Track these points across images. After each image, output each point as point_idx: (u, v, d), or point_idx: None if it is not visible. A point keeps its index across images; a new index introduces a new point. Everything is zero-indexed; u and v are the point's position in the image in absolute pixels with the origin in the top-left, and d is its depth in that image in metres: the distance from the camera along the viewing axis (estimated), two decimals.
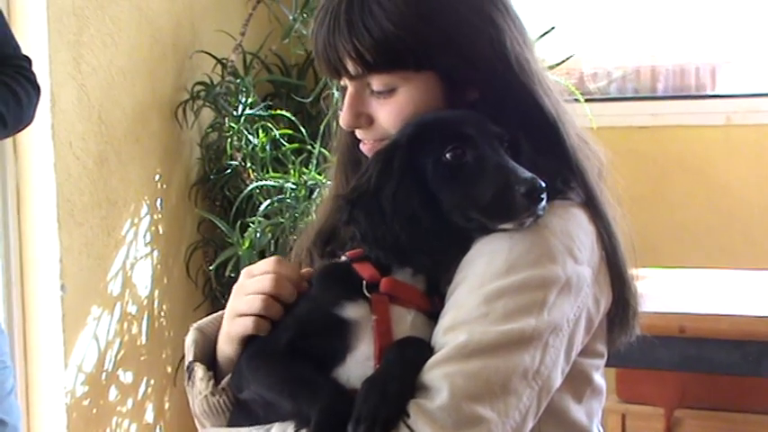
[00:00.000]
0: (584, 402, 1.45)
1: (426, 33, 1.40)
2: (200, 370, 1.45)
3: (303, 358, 1.33)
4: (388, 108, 1.44)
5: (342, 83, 1.49)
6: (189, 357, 1.48)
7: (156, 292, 3.61)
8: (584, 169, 1.46)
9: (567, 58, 3.59)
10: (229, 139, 3.63)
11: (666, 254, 3.83)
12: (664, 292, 2.95)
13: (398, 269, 1.39)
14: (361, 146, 1.50)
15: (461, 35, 1.42)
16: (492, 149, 1.36)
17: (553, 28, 3.50)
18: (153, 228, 3.59)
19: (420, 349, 1.31)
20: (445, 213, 1.36)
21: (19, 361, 3.21)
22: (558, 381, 1.33)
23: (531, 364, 1.28)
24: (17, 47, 2.20)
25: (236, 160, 3.63)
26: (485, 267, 1.32)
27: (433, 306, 1.37)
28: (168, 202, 3.67)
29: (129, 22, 3.48)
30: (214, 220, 3.61)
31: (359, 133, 1.50)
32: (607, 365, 1.52)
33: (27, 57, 2.21)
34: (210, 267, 3.65)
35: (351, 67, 1.43)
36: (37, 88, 2.17)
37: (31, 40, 3.18)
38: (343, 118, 1.47)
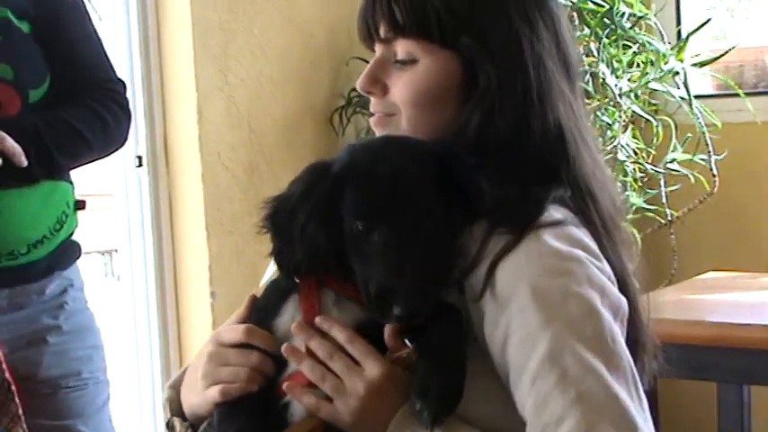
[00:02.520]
0: None
1: (458, 7, 1.40)
2: (178, 424, 1.47)
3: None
4: (404, 79, 1.43)
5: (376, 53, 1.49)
6: (167, 415, 1.51)
7: None
8: (594, 191, 1.40)
9: (728, 51, 3.42)
10: None
11: None
12: None
13: None
14: (370, 120, 1.51)
15: (490, 20, 1.40)
16: (399, 236, 1.30)
17: (709, 20, 3.34)
18: None
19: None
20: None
21: (174, 365, 3.34)
22: None
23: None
24: (110, 71, 2.26)
25: None
26: (519, 319, 1.27)
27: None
28: None
29: (280, 33, 3.54)
30: None
31: (371, 105, 1.49)
32: None
33: (121, 81, 2.27)
34: None
35: (382, 28, 1.43)
36: (128, 113, 2.24)
37: (178, 54, 3.30)
38: (360, 80, 1.47)
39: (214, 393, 1.39)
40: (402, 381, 1.31)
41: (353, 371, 1.32)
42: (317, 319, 1.35)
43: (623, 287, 1.37)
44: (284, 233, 1.37)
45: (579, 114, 1.44)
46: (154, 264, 3.34)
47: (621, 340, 1.28)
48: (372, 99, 1.49)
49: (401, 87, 1.44)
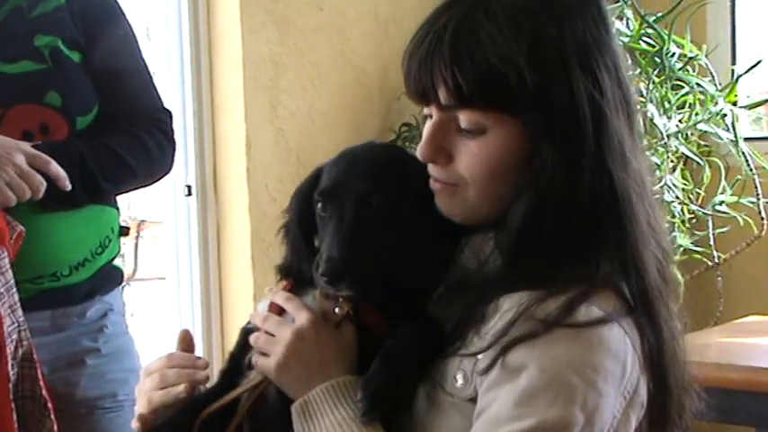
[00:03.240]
0: None
1: (528, 72, 1.29)
2: None
3: None
4: (474, 150, 1.33)
5: (426, 110, 1.39)
6: None
7: None
8: (641, 263, 1.33)
9: None
10: None
11: None
12: None
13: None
14: (431, 182, 1.40)
15: (557, 87, 1.30)
16: (343, 211, 1.37)
17: (760, 62, 3.32)
18: None
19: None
20: None
21: None
22: None
23: None
24: (157, 100, 2.31)
25: None
26: (505, 397, 1.26)
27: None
28: None
29: (331, 67, 3.58)
30: None
31: (432, 170, 1.38)
32: None
33: (167, 110, 2.32)
34: None
35: (443, 95, 1.32)
36: (171, 140, 2.28)
37: (228, 86, 3.35)
38: (422, 149, 1.36)
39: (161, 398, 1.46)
40: (327, 331, 1.38)
41: (284, 325, 1.40)
42: (266, 289, 1.46)
43: (657, 367, 1.34)
44: (284, 234, 1.50)
45: (637, 160, 1.36)
46: (200, 291, 3.39)
47: None
48: (433, 166, 1.38)
49: (470, 160, 1.33)
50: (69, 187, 2.02)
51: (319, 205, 1.41)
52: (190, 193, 3.35)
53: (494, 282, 1.33)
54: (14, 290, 1.94)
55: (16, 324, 1.93)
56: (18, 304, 1.95)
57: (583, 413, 1.24)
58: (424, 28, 1.35)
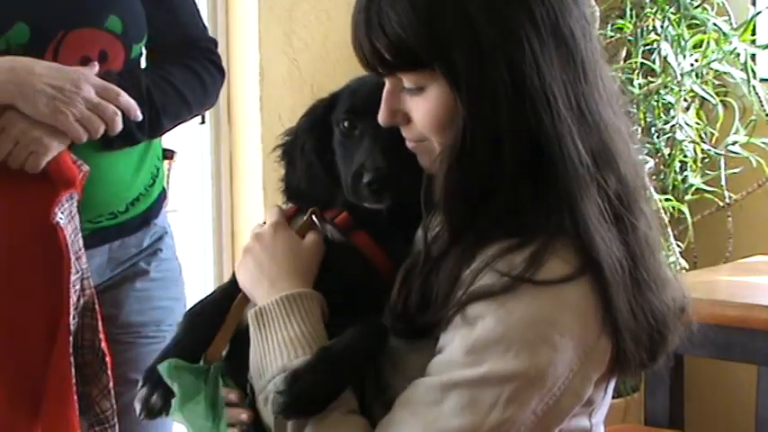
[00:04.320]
0: None
1: (421, 31, 1.31)
2: None
3: None
4: (420, 107, 1.37)
5: None
6: None
7: None
8: (584, 215, 1.31)
9: None
10: None
11: None
12: None
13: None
14: (407, 143, 1.43)
15: (456, 40, 1.31)
16: (377, 126, 1.38)
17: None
18: None
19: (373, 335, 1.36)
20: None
21: None
22: None
23: None
24: (205, 29, 2.26)
25: None
26: (459, 342, 1.30)
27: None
28: None
29: None
30: None
31: (402, 131, 1.42)
32: None
33: (214, 39, 2.27)
34: None
35: (378, 66, 1.37)
36: (222, 72, 2.24)
37: (243, 16, 3.36)
38: (381, 116, 1.40)
39: None
40: (285, 234, 1.46)
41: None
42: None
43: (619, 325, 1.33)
44: (289, 157, 1.51)
45: (577, 95, 1.34)
46: (212, 220, 3.42)
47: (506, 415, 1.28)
48: (401, 127, 1.42)
49: (420, 118, 1.37)
50: (140, 117, 1.95)
51: (346, 124, 1.43)
52: (203, 122, 3.37)
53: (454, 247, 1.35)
54: (80, 235, 1.92)
55: (80, 272, 1.90)
56: (83, 251, 1.92)
57: (534, 367, 1.27)
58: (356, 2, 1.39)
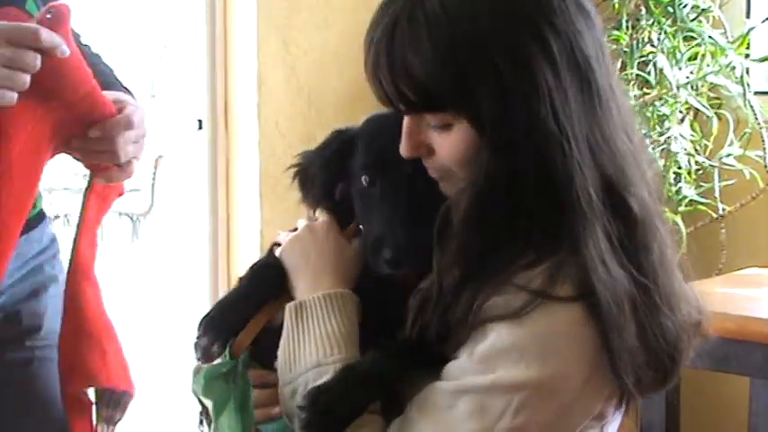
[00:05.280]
0: None
1: (457, 85, 1.33)
2: None
3: None
4: (447, 143, 1.38)
5: None
6: None
7: None
8: (586, 254, 1.32)
9: None
10: None
11: None
12: None
13: None
14: (429, 172, 1.45)
15: (481, 89, 1.33)
16: (398, 191, 1.42)
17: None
18: None
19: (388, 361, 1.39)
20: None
21: None
22: None
23: None
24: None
25: None
26: (472, 350, 1.33)
27: None
28: None
29: (345, 6, 3.58)
30: None
31: (425, 162, 1.44)
32: None
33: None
34: None
35: (401, 105, 1.38)
36: None
37: (241, 23, 3.37)
38: (403, 149, 1.42)
39: None
40: (337, 236, 1.51)
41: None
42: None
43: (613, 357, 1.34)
44: (302, 183, 1.56)
45: (596, 132, 1.36)
46: (208, 225, 3.43)
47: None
48: (423, 159, 1.44)
49: (446, 153, 1.39)
50: (68, 53, 1.66)
51: (366, 179, 1.44)
52: (201, 127, 3.38)
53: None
54: None
55: None
56: None
57: (545, 378, 1.30)
58: (366, 41, 1.41)
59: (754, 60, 3.31)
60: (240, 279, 1.54)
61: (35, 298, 1.99)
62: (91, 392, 1.92)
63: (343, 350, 1.39)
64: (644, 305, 1.35)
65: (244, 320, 1.47)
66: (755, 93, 3.42)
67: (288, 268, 1.51)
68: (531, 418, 1.31)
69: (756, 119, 3.39)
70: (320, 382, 1.36)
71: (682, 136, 3.40)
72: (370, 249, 1.42)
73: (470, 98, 1.33)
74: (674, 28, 3.40)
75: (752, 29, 3.32)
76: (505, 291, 1.33)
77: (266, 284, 1.50)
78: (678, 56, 3.43)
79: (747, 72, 3.38)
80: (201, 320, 1.46)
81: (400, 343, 1.39)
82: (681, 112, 3.49)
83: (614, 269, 1.33)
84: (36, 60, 1.60)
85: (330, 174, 1.51)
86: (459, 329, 1.35)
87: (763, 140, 3.41)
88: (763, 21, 3.33)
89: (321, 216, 1.53)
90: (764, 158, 3.43)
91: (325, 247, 1.49)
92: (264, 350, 1.47)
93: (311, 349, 1.40)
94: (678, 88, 3.36)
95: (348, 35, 3.59)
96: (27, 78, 1.61)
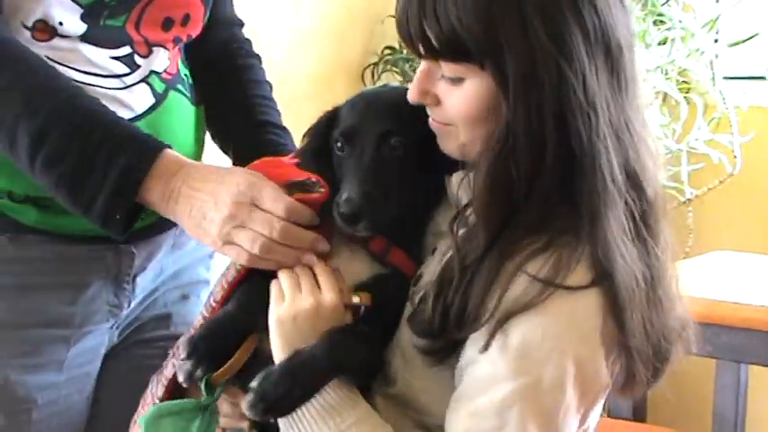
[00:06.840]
0: None
1: (475, 26, 1.32)
2: None
3: None
4: (456, 97, 1.39)
5: None
6: None
7: None
8: (602, 227, 1.31)
9: (756, 35, 3.42)
10: None
11: None
12: None
13: None
14: (430, 121, 1.46)
15: (509, 41, 1.32)
16: (362, 152, 1.44)
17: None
18: None
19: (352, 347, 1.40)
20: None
21: None
22: None
23: None
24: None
25: None
26: (498, 354, 1.30)
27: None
28: None
29: None
30: None
31: (428, 109, 1.45)
32: None
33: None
34: None
35: (422, 49, 1.38)
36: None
37: None
38: (411, 92, 1.43)
39: None
40: (341, 320, 1.43)
41: (314, 290, 1.44)
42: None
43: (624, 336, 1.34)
44: (302, 153, 1.56)
45: (617, 107, 1.35)
46: None
47: (572, 420, 1.32)
48: (428, 106, 1.45)
49: (453, 105, 1.40)
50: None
51: (338, 144, 1.47)
52: None
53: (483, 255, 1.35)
54: None
55: None
56: None
57: (573, 363, 1.29)
58: None
59: (729, 45, 3.33)
60: (229, 301, 1.51)
61: (182, 303, 1.94)
62: None
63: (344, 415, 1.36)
64: (652, 298, 1.36)
65: (228, 348, 1.46)
66: (724, 77, 3.45)
67: (279, 335, 1.43)
68: (576, 409, 1.32)
69: (725, 103, 3.41)
70: None
71: (650, 120, 3.41)
72: (334, 207, 1.42)
73: (499, 51, 1.32)
74: (645, 12, 3.41)
75: (721, 14, 3.34)
76: (522, 278, 1.31)
77: (253, 313, 1.47)
78: (648, 40, 3.45)
79: (717, 57, 3.40)
80: (188, 341, 1.45)
81: (351, 329, 1.41)
82: (651, 96, 3.51)
83: (630, 250, 1.33)
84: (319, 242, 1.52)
85: (318, 143, 1.52)
86: (475, 312, 1.32)
87: (731, 125, 3.44)
88: (734, 5, 3.34)
89: (327, 291, 1.44)
90: (732, 143, 3.46)
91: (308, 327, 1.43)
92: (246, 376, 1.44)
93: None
94: (648, 72, 3.38)
95: (318, 16, 3.59)
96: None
